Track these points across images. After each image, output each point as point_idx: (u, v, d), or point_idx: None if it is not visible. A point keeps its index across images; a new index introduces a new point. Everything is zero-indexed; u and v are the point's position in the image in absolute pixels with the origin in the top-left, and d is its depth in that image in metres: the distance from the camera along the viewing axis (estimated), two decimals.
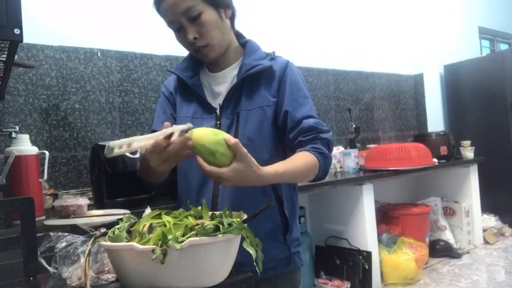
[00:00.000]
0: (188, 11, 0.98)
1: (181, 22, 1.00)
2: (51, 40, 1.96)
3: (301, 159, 0.97)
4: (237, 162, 0.83)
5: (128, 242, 0.67)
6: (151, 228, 0.67)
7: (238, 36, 1.15)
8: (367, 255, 2.39)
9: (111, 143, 0.82)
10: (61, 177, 1.94)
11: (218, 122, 1.05)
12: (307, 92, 1.08)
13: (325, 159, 1.01)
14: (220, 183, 0.85)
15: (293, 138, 1.02)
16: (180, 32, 1.02)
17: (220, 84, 1.09)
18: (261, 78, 1.05)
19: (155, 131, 1.04)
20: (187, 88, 1.10)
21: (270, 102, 1.03)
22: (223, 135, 0.84)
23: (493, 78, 3.66)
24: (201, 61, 1.13)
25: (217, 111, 1.06)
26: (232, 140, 0.83)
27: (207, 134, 0.83)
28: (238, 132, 1.02)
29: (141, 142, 0.85)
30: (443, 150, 3.13)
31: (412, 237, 2.68)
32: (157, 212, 0.75)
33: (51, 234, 0.79)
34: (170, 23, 1.02)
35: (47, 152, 1.40)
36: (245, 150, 0.84)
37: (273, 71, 1.06)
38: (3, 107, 1.81)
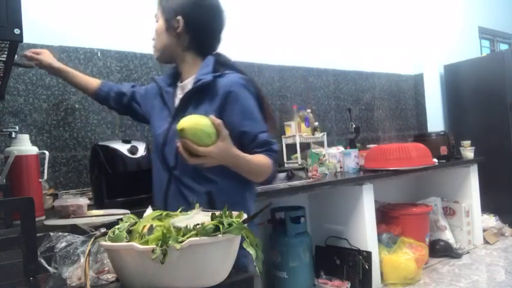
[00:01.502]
0: (155, 17, 1.26)
1: None
2: (51, 40, 1.96)
3: (261, 158, 1.12)
4: (221, 140, 0.98)
5: (128, 242, 0.67)
6: (151, 230, 0.67)
7: (216, 56, 1.25)
8: (367, 255, 2.39)
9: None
10: (61, 177, 1.94)
11: (169, 127, 1.20)
12: (256, 107, 1.17)
13: (275, 166, 1.16)
14: (202, 164, 0.99)
15: (248, 150, 1.12)
16: None
17: (182, 93, 1.24)
18: (207, 92, 1.16)
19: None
20: (162, 94, 1.28)
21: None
22: (205, 117, 0.98)
23: (493, 78, 3.66)
24: (178, 72, 1.31)
25: (172, 116, 1.22)
26: (217, 120, 0.98)
27: (196, 119, 0.96)
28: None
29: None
30: (443, 150, 3.13)
31: (412, 237, 2.68)
32: (159, 213, 0.75)
33: (51, 234, 0.79)
34: None
35: (47, 152, 1.40)
36: (226, 130, 1.00)
37: (217, 88, 1.14)
38: (3, 107, 1.81)
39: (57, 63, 1.55)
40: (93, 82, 1.57)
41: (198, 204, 0.82)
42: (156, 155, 1.25)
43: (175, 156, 1.15)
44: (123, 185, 1.53)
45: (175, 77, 1.30)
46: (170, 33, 1.21)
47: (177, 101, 1.24)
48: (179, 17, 1.19)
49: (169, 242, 0.60)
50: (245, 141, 1.12)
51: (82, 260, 0.75)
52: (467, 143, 3.31)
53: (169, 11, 1.21)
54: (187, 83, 1.23)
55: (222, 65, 1.23)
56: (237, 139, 1.10)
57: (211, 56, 1.23)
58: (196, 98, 1.17)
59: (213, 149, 0.96)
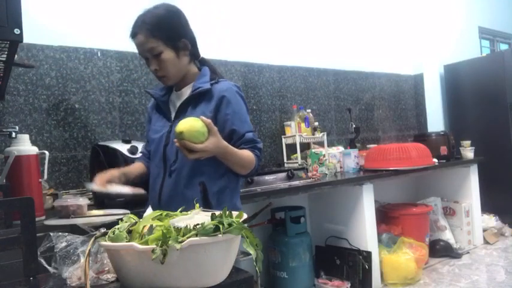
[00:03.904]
0: (152, 50, 1.27)
1: (147, 56, 1.30)
2: (51, 40, 1.96)
3: (246, 152, 1.28)
4: (212, 136, 1.15)
5: (128, 242, 0.67)
6: (151, 230, 0.67)
7: (202, 62, 1.43)
8: (367, 255, 2.39)
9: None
10: (61, 177, 1.94)
11: (170, 130, 1.33)
12: (245, 110, 1.35)
13: (258, 161, 1.32)
14: (199, 158, 1.15)
15: (236, 146, 1.27)
16: (147, 61, 1.32)
17: (180, 100, 1.38)
18: (204, 97, 1.32)
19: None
20: (158, 104, 1.42)
21: (206, 116, 1.24)
22: (198, 119, 1.14)
23: (493, 78, 3.66)
24: None
25: (172, 120, 1.35)
26: (207, 119, 1.14)
27: (191, 121, 1.12)
28: None
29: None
30: (443, 150, 3.13)
31: (412, 237, 2.68)
32: (159, 213, 0.75)
33: (51, 234, 0.79)
34: (140, 54, 1.32)
35: (47, 152, 1.40)
36: (215, 127, 1.16)
37: (213, 93, 1.31)
38: (3, 107, 1.81)
39: (120, 176, 1.38)
40: (140, 166, 1.48)
41: (197, 204, 0.83)
42: (155, 154, 1.37)
43: (176, 153, 1.29)
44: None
45: (168, 88, 1.43)
46: (181, 56, 1.32)
47: (173, 107, 1.39)
48: (183, 40, 1.31)
49: (169, 242, 0.60)
50: (234, 138, 1.28)
51: (82, 260, 0.75)
52: (467, 143, 3.31)
53: (171, 39, 1.28)
54: (185, 90, 1.38)
55: (213, 72, 1.40)
56: (227, 136, 1.26)
57: (206, 67, 1.40)
58: (194, 101, 1.33)
59: (207, 144, 1.14)
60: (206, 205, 1.27)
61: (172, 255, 0.61)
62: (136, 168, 1.48)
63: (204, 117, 1.15)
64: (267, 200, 1.97)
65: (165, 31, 1.27)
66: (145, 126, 1.55)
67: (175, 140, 1.14)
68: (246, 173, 1.32)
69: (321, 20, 3.22)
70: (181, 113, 1.34)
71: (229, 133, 1.28)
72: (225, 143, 1.21)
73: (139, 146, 1.68)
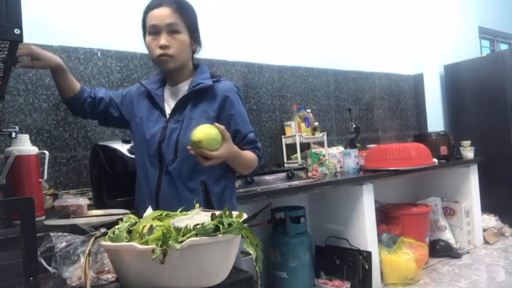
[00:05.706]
0: (172, 25, 1.27)
1: (162, 30, 1.27)
2: (51, 40, 1.96)
3: (249, 154, 1.32)
4: (225, 142, 1.17)
5: (128, 242, 0.67)
6: (151, 230, 0.67)
7: (199, 62, 1.43)
8: (367, 255, 2.39)
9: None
10: (61, 177, 1.94)
11: (166, 125, 1.30)
12: (245, 110, 1.38)
13: (259, 161, 1.37)
14: (213, 164, 1.16)
15: (238, 146, 1.28)
16: (155, 36, 1.29)
17: (175, 96, 1.36)
18: (205, 95, 1.31)
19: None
20: (151, 96, 1.38)
21: (209, 116, 1.28)
22: (213, 126, 1.15)
23: (493, 78, 3.66)
24: (165, 78, 1.42)
25: (167, 116, 1.33)
26: (221, 126, 1.16)
27: (208, 129, 1.13)
28: (180, 135, 1.27)
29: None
30: (443, 150, 3.13)
31: (412, 237, 2.68)
32: (159, 213, 0.75)
33: (51, 234, 0.79)
34: (152, 26, 1.29)
35: (47, 152, 1.40)
36: (228, 133, 1.18)
37: (215, 92, 1.31)
38: (3, 107, 1.81)
39: (54, 63, 1.39)
40: (77, 84, 1.44)
41: (198, 205, 0.83)
42: (146, 152, 1.32)
43: (174, 150, 1.27)
44: (123, 185, 1.53)
45: (162, 82, 1.42)
46: (191, 47, 1.34)
47: (167, 103, 1.37)
48: (197, 34, 1.35)
49: (169, 242, 0.60)
50: (237, 138, 1.30)
51: (82, 260, 0.75)
52: (467, 143, 3.31)
53: (192, 26, 1.32)
54: (182, 86, 1.36)
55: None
56: (231, 136, 1.25)
57: (203, 64, 1.40)
58: (194, 99, 1.31)
59: (221, 150, 1.15)
60: (208, 206, 1.26)
61: (172, 255, 0.60)
62: (71, 85, 1.40)
63: (218, 124, 1.16)
64: (267, 200, 1.97)
65: (189, 16, 1.31)
66: (120, 94, 1.47)
67: (189, 147, 1.14)
68: (248, 173, 1.36)
69: (321, 20, 3.21)
70: (179, 109, 1.31)
71: (233, 133, 1.29)
72: (236, 147, 1.23)
73: None
